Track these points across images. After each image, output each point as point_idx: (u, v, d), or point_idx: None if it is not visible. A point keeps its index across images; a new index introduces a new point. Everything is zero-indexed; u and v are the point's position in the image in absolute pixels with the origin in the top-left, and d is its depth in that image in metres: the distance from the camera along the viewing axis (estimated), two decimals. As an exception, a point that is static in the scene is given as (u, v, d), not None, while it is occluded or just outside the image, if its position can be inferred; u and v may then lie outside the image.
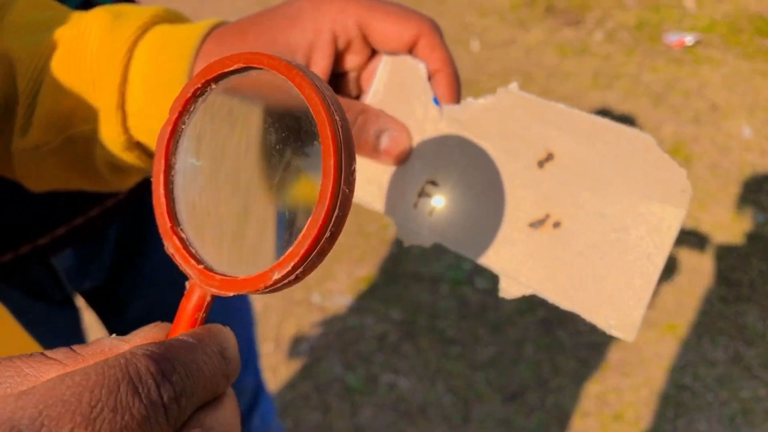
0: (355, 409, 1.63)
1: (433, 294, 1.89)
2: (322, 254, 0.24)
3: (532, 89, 2.62)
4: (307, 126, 0.24)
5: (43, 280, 0.73)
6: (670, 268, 1.93)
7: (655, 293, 1.86)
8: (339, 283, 1.94)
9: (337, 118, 0.23)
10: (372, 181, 0.42)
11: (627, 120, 2.45)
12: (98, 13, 0.42)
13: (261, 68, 0.24)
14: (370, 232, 2.10)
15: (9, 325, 0.42)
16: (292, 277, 0.23)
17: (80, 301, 0.84)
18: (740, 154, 2.27)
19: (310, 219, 0.23)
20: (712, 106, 2.50)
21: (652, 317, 1.81)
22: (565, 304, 0.37)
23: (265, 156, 0.26)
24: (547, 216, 0.38)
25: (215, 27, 0.41)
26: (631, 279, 0.36)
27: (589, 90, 2.61)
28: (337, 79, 0.42)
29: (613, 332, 0.36)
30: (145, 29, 0.41)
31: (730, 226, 2.03)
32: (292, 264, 0.23)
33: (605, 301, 0.36)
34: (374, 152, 0.40)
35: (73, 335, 0.80)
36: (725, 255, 1.96)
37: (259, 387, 1.00)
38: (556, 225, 0.37)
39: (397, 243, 2.05)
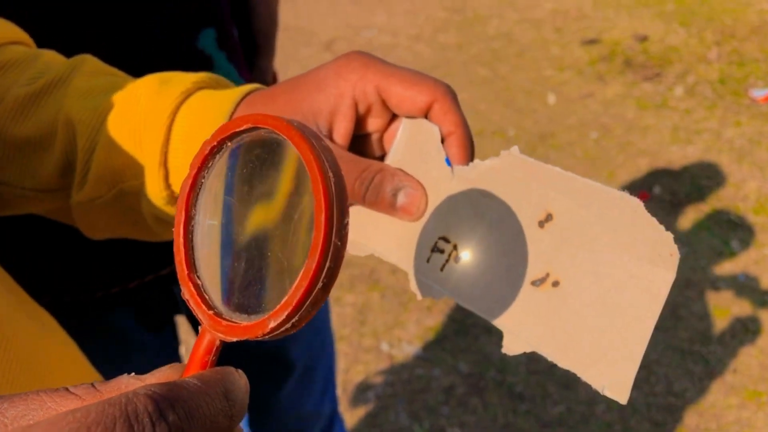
0: (420, 460, 1.63)
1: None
2: (316, 304, 0.25)
3: (611, 142, 2.59)
4: (307, 182, 0.25)
5: (161, 304, 0.87)
6: (753, 331, 1.84)
7: (738, 357, 1.78)
8: (408, 332, 1.95)
9: (330, 174, 0.25)
10: (389, 235, 0.45)
11: (708, 175, 2.38)
12: (148, 79, 0.47)
13: (266, 128, 0.27)
14: (439, 283, 2.11)
15: (74, 352, 0.47)
16: (288, 325, 0.25)
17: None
18: (833, 212, 2.16)
19: (302, 271, 0.24)
20: (802, 161, 2.40)
21: (733, 382, 1.72)
22: (562, 362, 0.38)
23: (272, 209, 0.28)
24: (547, 275, 0.39)
25: (249, 93, 0.45)
26: (624, 340, 0.36)
27: (669, 144, 2.56)
28: (362, 139, 0.46)
29: (606, 393, 0.36)
30: (188, 94, 0.45)
31: (820, 288, 1.93)
32: (286, 313, 0.24)
33: (600, 360, 0.37)
34: (391, 208, 0.43)
35: (168, 360, 0.89)
36: (815, 318, 1.85)
37: (334, 413, 1.11)
38: (555, 284, 0.39)
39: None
